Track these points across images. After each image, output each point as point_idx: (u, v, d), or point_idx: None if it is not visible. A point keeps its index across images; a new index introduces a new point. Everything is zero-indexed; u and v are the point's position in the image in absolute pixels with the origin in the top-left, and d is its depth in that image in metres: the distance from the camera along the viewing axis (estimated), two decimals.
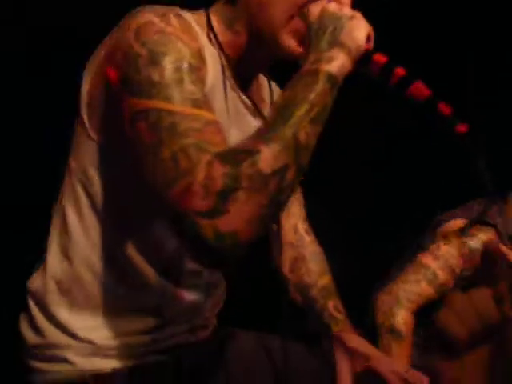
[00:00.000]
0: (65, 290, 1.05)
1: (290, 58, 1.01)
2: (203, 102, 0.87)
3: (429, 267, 1.70)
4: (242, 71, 1.06)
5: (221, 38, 1.02)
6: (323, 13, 0.93)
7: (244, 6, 1.01)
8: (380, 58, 0.93)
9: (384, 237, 2.23)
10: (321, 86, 0.86)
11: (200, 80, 0.90)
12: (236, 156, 0.81)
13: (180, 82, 0.87)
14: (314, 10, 0.94)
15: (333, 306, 1.23)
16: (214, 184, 0.79)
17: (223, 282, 1.24)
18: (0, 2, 1.74)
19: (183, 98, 0.85)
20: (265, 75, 1.20)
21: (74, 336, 1.03)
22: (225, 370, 1.15)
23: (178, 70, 0.87)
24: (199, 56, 0.93)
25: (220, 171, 0.79)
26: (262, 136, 0.83)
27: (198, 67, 0.91)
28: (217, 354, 1.17)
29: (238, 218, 0.79)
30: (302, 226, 1.30)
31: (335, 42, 0.90)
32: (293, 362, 1.16)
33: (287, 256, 1.29)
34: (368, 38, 0.93)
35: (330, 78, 0.87)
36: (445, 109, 0.90)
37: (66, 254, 1.05)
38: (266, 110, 1.15)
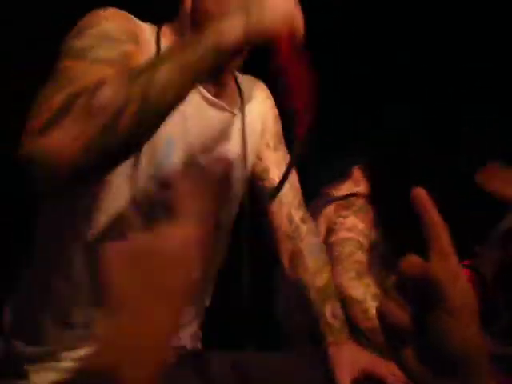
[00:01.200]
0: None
1: None
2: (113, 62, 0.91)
3: (352, 238, 1.75)
4: None
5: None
6: None
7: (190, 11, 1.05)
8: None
9: None
10: (199, 48, 0.82)
11: (118, 48, 0.93)
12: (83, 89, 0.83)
13: (92, 48, 0.91)
14: None
15: (330, 312, 1.15)
16: (50, 108, 0.82)
17: (199, 297, 1.18)
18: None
19: (91, 58, 0.89)
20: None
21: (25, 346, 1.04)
22: None
23: (95, 38, 0.92)
24: (131, 35, 0.96)
25: (61, 97, 0.82)
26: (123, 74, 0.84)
27: (121, 40, 0.94)
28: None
29: (60, 140, 0.79)
30: (297, 214, 1.23)
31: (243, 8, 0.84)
32: (274, 377, 1.08)
33: (285, 249, 1.23)
34: (288, 27, 0.84)
35: (214, 44, 0.82)
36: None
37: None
38: (236, 102, 1.16)
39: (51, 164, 0.79)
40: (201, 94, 1.06)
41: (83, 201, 1.00)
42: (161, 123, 0.85)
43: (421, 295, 0.50)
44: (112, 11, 0.98)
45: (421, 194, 0.52)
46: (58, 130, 0.79)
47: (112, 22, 0.96)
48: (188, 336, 1.13)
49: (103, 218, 0.99)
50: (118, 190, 1.00)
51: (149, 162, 1.00)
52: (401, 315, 0.51)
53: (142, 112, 0.80)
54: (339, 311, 1.16)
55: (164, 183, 1.01)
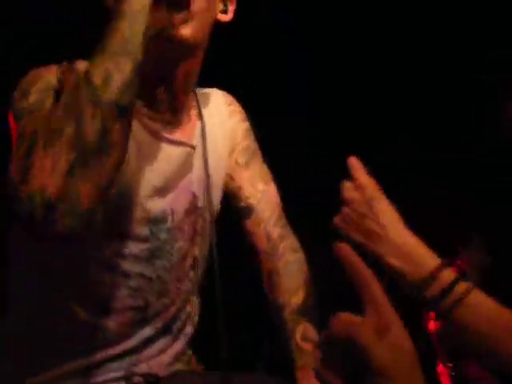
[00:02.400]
0: None
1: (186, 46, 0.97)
2: None
3: None
4: (158, 97, 1.04)
5: None
6: None
7: None
8: None
9: None
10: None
11: None
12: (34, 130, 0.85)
13: (43, 100, 0.93)
14: None
15: (301, 334, 1.13)
16: (21, 150, 0.83)
17: (187, 327, 1.17)
18: None
19: (43, 109, 0.91)
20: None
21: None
22: None
23: (42, 91, 0.95)
24: None
25: (27, 135, 0.85)
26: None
27: None
28: None
29: (40, 173, 0.80)
30: (275, 231, 1.22)
31: None
32: None
33: (264, 267, 1.22)
34: None
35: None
36: None
37: None
38: (196, 127, 1.13)
39: (44, 200, 0.79)
40: (154, 134, 1.04)
41: (50, 263, 1.01)
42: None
43: (350, 356, 0.48)
44: (48, 66, 1.01)
45: (344, 249, 0.49)
46: (35, 168, 0.79)
47: (53, 74, 0.98)
48: (160, 364, 1.11)
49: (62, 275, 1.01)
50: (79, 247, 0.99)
51: (110, 217, 0.98)
52: (335, 377, 0.49)
53: (98, 116, 0.81)
54: (311, 333, 1.13)
55: (127, 236, 1.01)
